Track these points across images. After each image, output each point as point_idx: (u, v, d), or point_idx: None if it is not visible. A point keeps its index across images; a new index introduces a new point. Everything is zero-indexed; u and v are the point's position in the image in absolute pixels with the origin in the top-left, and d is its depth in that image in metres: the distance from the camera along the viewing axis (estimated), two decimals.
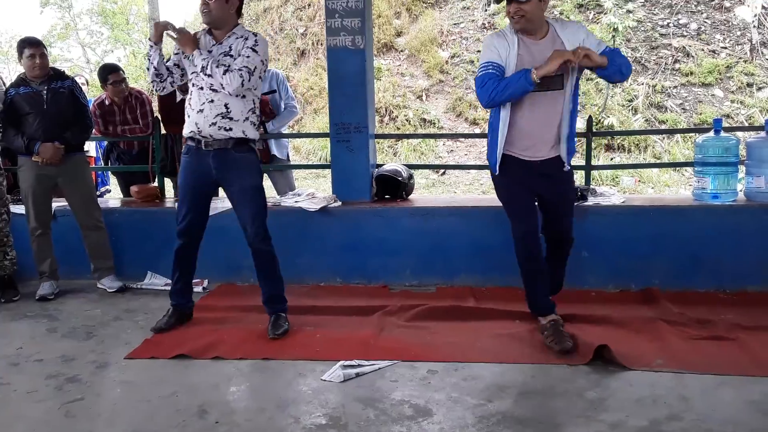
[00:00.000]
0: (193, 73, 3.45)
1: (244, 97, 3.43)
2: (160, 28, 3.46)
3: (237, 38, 3.44)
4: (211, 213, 4.58)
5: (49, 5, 25.08)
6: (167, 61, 3.55)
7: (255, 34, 3.48)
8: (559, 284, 3.64)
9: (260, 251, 3.56)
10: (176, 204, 4.56)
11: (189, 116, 3.46)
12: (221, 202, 4.71)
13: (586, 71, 3.29)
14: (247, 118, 3.45)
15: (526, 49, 3.14)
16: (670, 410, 2.59)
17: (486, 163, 3.56)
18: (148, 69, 3.56)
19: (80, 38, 25.86)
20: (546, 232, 3.48)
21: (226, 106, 3.40)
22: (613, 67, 3.08)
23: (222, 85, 3.35)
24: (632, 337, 3.34)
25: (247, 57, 3.38)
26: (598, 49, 3.12)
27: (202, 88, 3.41)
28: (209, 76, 3.35)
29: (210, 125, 3.40)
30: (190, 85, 3.50)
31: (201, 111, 3.41)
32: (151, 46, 3.49)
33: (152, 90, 6.57)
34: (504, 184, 3.36)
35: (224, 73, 3.33)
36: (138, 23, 24.93)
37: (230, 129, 3.42)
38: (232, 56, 3.41)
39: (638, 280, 4.12)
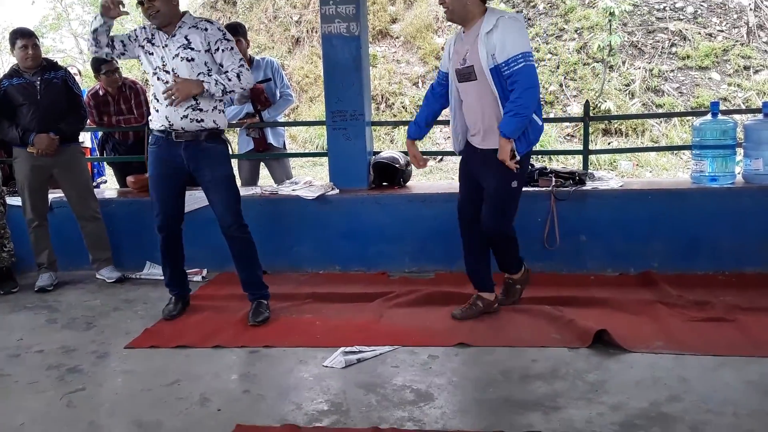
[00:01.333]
0: (156, 68, 3.43)
1: None
2: (114, 13, 3.38)
3: (190, 28, 3.42)
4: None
5: None
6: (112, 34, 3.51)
7: (208, 21, 3.50)
8: (506, 267, 3.60)
9: (236, 239, 3.57)
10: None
11: (158, 110, 3.45)
12: None
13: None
14: (215, 107, 3.48)
15: (458, 45, 3.29)
16: (670, 391, 2.60)
17: None
18: (92, 32, 3.45)
19: (72, 29, 25.68)
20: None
21: (195, 98, 3.40)
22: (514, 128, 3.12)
23: (243, 88, 3.55)
24: (632, 319, 3.35)
25: (231, 50, 3.45)
26: (508, 53, 3.04)
27: (167, 83, 3.39)
28: (231, 92, 3.47)
29: (182, 118, 3.41)
30: (152, 78, 3.47)
31: (171, 105, 3.40)
32: (102, 20, 3.37)
33: (145, 79, 6.53)
34: (460, 166, 3.55)
35: (238, 78, 3.41)
36: (131, 13, 24.77)
37: (202, 120, 3.44)
38: (193, 48, 3.40)
39: (637, 264, 4.12)
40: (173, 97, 3.33)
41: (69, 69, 4.81)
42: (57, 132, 4.27)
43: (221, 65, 3.45)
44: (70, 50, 24.96)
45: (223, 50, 3.43)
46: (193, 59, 3.40)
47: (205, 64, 3.43)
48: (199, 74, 3.40)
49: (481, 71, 3.13)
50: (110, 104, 5.14)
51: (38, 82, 4.26)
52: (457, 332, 3.29)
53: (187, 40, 3.40)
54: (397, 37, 12.45)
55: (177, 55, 3.40)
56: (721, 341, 3.05)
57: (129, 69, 14.12)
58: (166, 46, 3.42)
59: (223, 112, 3.58)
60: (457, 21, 3.25)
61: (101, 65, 5.05)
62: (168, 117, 3.41)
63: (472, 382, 2.78)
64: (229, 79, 3.40)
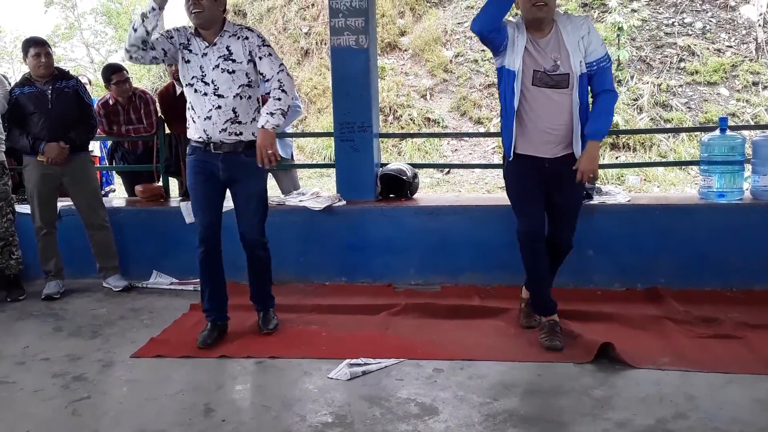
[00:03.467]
0: (193, 77, 3.29)
1: (249, 98, 3.34)
2: None
3: (231, 37, 3.29)
4: None
5: (54, 5, 25.16)
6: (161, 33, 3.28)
7: (249, 29, 3.36)
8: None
9: (259, 256, 3.49)
10: (180, 203, 4.60)
11: (194, 122, 3.33)
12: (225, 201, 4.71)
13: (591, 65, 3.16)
14: (254, 119, 3.34)
15: (533, 47, 3.08)
16: (677, 409, 2.58)
17: (490, 161, 3.54)
18: (134, 29, 3.15)
19: (84, 38, 25.93)
20: (549, 233, 3.35)
21: (234, 110, 3.28)
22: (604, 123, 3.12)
23: (293, 98, 3.31)
24: (638, 335, 3.34)
25: (270, 56, 3.29)
26: (598, 53, 3.08)
27: (206, 94, 3.27)
28: (282, 90, 3.22)
29: (220, 131, 3.28)
30: (188, 88, 3.33)
31: (209, 118, 3.27)
32: (153, 9, 3.15)
33: (155, 88, 6.55)
34: (513, 181, 3.29)
35: (283, 91, 3.23)
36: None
37: (240, 133, 3.31)
38: (234, 60, 3.26)
39: (644, 279, 4.10)
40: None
41: (80, 78, 4.85)
42: (67, 141, 4.30)
43: (262, 74, 3.31)
44: (81, 59, 25.22)
45: (262, 57, 3.28)
46: (234, 71, 3.26)
47: (246, 75, 3.30)
48: (239, 86, 3.27)
49: (574, 78, 3.06)
50: (120, 114, 5.18)
51: (49, 91, 4.29)
52: (462, 346, 3.28)
53: (228, 50, 3.26)
54: (405, 50, 12.51)
55: (217, 66, 3.25)
56: (728, 358, 3.02)
57: (139, 79, 14.23)
58: (205, 54, 3.27)
59: None
60: (547, 20, 3.07)
61: (112, 75, 5.09)
62: (206, 130, 3.29)
63: (477, 396, 2.76)
64: (279, 99, 3.20)
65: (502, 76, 3.19)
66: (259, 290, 3.59)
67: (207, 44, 3.29)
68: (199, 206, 3.40)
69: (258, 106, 3.41)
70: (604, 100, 3.12)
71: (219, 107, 3.28)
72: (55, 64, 4.42)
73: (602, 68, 3.10)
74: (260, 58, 3.29)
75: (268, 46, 3.34)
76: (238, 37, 3.30)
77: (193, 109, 3.34)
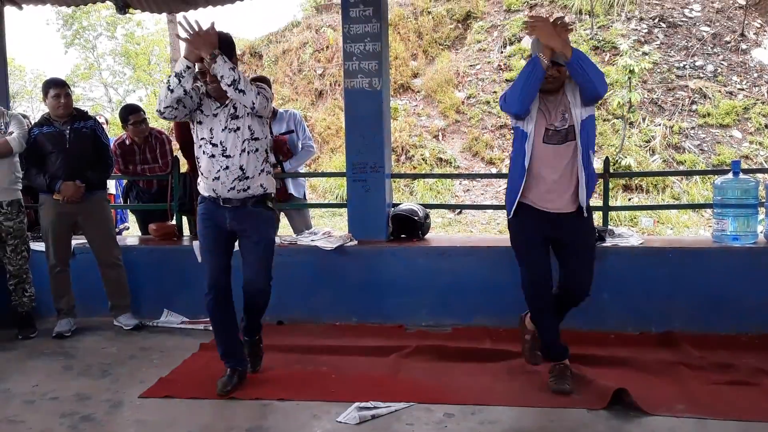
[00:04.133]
0: (202, 139, 3.31)
1: (256, 150, 3.33)
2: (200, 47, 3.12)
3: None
4: None
5: (74, 46, 25.79)
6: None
7: (259, 84, 3.34)
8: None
9: (258, 300, 3.44)
10: (193, 242, 4.62)
11: (204, 181, 3.36)
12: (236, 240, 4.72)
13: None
14: (262, 170, 3.37)
15: (545, 107, 3.17)
16: None
17: (502, 202, 3.54)
18: (170, 90, 3.17)
19: (103, 78, 26.52)
20: (562, 283, 3.33)
21: (241, 168, 3.29)
22: (580, 68, 3.02)
23: (253, 102, 3.21)
24: (653, 381, 3.28)
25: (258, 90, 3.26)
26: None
27: (213, 156, 3.28)
28: (241, 92, 3.17)
29: (229, 190, 3.30)
30: (197, 149, 3.35)
31: (217, 179, 3.29)
32: (188, 67, 3.16)
33: (171, 128, 6.65)
34: (518, 230, 3.32)
35: (256, 94, 3.21)
36: (159, 64, 25.50)
37: (248, 188, 3.32)
38: (238, 117, 3.28)
39: (658, 323, 4.05)
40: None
41: (98, 118, 4.93)
42: (83, 180, 4.35)
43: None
44: (99, 98, 25.72)
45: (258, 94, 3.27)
46: (238, 129, 3.28)
47: (249, 128, 3.30)
48: (243, 141, 3.28)
49: (578, 127, 3.13)
50: (136, 153, 5.25)
51: (68, 131, 4.37)
52: (474, 390, 3.24)
53: (234, 108, 3.29)
54: (418, 91, 12.66)
55: (226, 128, 3.28)
56: (745, 405, 2.97)
57: (155, 119, 14.44)
58: (216, 116, 3.30)
59: (270, 172, 3.44)
60: (553, 90, 3.16)
61: (129, 115, 5.17)
62: (215, 190, 3.31)
63: None
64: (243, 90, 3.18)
65: (516, 135, 3.28)
66: (252, 323, 3.54)
67: (218, 105, 3.32)
68: (208, 251, 3.39)
69: (266, 157, 3.42)
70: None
71: (227, 168, 3.29)
72: (74, 104, 4.51)
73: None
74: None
75: (260, 87, 3.31)
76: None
77: (201, 170, 3.37)
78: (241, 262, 3.39)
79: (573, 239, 3.25)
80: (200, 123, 3.33)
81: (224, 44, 3.23)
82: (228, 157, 3.29)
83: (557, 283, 3.33)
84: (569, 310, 3.42)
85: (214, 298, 3.33)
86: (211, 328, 4.24)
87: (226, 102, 3.31)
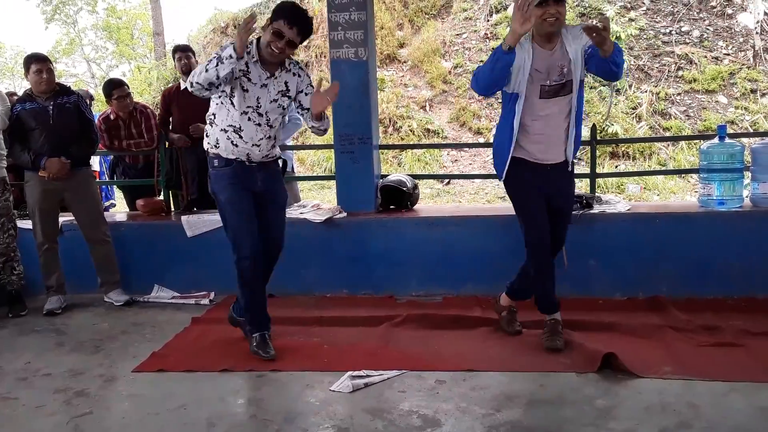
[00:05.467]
0: (248, 107, 3.30)
1: (282, 121, 3.50)
2: (244, 37, 3.11)
3: (287, 73, 3.37)
4: (217, 226, 4.61)
5: (54, 21, 25.31)
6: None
7: (301, 68, 3.45)
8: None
9: (279, 254, 3.56)
10: (182, 217, 4.60)
11: (237, 145, 3.33)
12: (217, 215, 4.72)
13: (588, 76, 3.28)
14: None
15: (541, 62, 3.15)
16: (680, 418, 2.58)
17: (490, 172, 3.57)
18: (206, 69, 3.12)
19: (85, 53, 26.08)
20: None
21: (275, 136, 3.46)
22: (617, 58, 3.07)
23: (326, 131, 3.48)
24: (640, 344, 3.33)
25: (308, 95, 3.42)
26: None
27: (259, 125, 3.34)
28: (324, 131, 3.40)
29: (263, 157, 3.41)
30: (239, 114, 3.30)
31: (257, 146, 3.35)
32: (231, 57, 3.11)
33: (156, 103, 6.56)
34: (518, 190, 3.36)
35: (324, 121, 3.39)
36: (143, 38, 25.13)
37: (274, 147, 3.50)
38: (289, 96, 3.38)
39: (645, 288, 4.11)
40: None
41: (85, 92, 4.88)
42: (68, 156, 4.31)
43: (302, 106, 3.42)
44: (82, 74, 25.33)
45: (307, 94, 3.40)
46: (284, 107, 3.40)
47: (286, 105, 3.42)
48: (281, 115, 3.44)
49: (575, 85, 3.18)
50: (121, 128, 5.20)
51: (51, 107, 4.31)
52: (464, 357, 3.28)
53: (286, 86, 3.36)
54: (404, 62, 12.57)
55: (275, 101, 3.35)
56: (731, 366, 3.02)
57: (140, 94, 14.27)
58: (265, 86, 3.31)
59: None
60: (557, 33, 3.14)
61: (113, 90, 5.12)
62: (249, 154, 3.36)
63: (480, 407, 2.76)
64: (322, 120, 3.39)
65: (504, 97, 3.29)
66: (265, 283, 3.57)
67: (268, 75, 3.32)
68: (243, 215, 3.35)
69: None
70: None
71: (269, 137, 3.40)
72: (56, 80, 4.45)
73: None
74: (306, 94, 3.42)
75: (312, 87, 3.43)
76: (294, 74, 3.40)
77: (239, 133, 3.33)
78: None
79: (559, 204, 3.35)
80: (246, 91, 3.29)
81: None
82: (271, 127, 3.39)
83: None
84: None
85: (254, 264, 3.34)
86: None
87: (275, 74, 3.33)
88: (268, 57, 3.27)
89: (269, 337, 3.43)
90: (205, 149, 3.45)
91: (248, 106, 3.31)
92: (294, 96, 3.42)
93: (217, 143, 3.37)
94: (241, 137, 3.33)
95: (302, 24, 3.21)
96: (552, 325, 3.39)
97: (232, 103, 3.30)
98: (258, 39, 3.34)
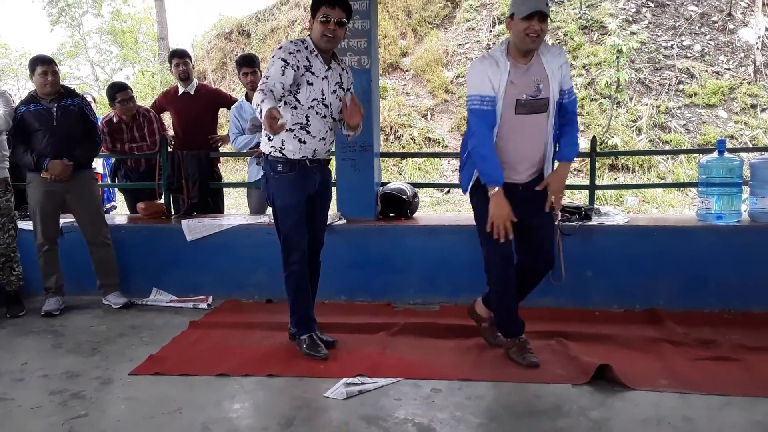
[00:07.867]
0: (314, 100, 3.33)
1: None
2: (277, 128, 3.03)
3: (338, 66, 3.47)
4: (217, 230, 4.62)
5: (59, 23, 25.41)
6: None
7: (348, 66, 3.57)
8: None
9: (319, 262, 3.65)
10: (182, 221, 4.61)
11: (305, 142, 3.35)
12: (226, 219, 4.73)
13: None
14: None
15: (517, 76, 3.11)
16: (675, 431, 2.58)
17: None
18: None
19: (89, 56, 26.17)
20: (524, 257, 3.35)
21: (334, 131, 3.52)
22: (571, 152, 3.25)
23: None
24: (637, 357, 3.34)
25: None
26: (569, 84, 3.22)
27: (325, 117, 3.38)
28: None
29: (325, 152, 3.47)
30: (305, 108, 3.33)
31: (323, 139, 3.41)
32: (255, 127, 3.44)
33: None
34: (482, 208, 3.24)
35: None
36: (147, 42, 25.21)
37: (331, 148, 3.58)
38: (344, 89, 3.45)
39: (642, 300, 4.11)
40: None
41: (85, 96, 4.90)
42: (71, 158, 4.33)
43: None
44: (86, 77, 25.41)
45: (351, 91, 3.51)
46: (340, 99, 3.43)
47: (340, 100, 3.46)
48: (338, 106, 3.46)
49: (552, 103, 3.15)
50: (124, 132, 5.21)
51: (55, 109, 4.33)
52: (461, 366, 3.28)
53: (340, 78, 3.44)
54: (407, 70, 12.61)
55: (334, 92, 3.40)
56: (727, 380, 3.02)
57: (143, 98, 14.31)
58: (325, 78, 3.37)
59: None
60: (535, 49, 3.12)
61: (116, 93, 5.13)
62: (316, 150, 3.40)
63: (475, 417, 2.76)
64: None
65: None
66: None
67: (325, 66, 3.38)
68: (295, 225, 3.41)
69: None
70: (574, 128, 3.28)
71: (331, 129, 3.47)
72: (61, 82, 4.47)
73: (572, 99, 3.26)
74: (350, 91, 3.52)
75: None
76: (343, 69, 3.50)
77: (306, 129, 3.36)
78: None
79: (535, 222, 3.26)
80: (311, 84, 3.33)
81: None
82: (333, 119, 3.46)
83: (519, 258, 3.35)
84: (533, 288, 3.44)
85: (303, 267, 3.43)
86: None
87: (331, 66, 3.40)
88: (325, 45, 3.33)
89: (318, 337, 3.49)
90: (266, 153, 3.43)
91: (314, 99, 3.35)
92: (347, 89, 3.49)
93: (283, 145, 3.36)
94: (308, 132, 3.36)
95: (342, 2, 3.30)
96: (520, 344, 3.31)
97: (297, 100, 3.33)
98: (306, 38, 3.41)
